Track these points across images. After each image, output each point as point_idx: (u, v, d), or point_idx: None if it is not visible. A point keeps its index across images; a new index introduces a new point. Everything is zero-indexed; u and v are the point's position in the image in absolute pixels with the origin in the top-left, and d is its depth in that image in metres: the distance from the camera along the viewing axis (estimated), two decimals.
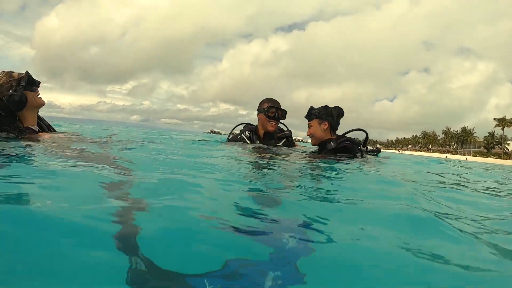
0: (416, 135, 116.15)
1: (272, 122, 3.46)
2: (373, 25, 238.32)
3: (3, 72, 2.47)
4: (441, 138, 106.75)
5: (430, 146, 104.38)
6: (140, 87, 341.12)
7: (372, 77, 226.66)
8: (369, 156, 3.21)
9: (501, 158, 72.30)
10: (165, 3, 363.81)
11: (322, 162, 2.69)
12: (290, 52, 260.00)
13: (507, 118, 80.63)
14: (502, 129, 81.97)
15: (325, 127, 3.14)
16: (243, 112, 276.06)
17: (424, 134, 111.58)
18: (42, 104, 2.58)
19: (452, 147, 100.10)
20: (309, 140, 3.36)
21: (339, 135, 3.22)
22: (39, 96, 2.56)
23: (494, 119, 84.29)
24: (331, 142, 3.08)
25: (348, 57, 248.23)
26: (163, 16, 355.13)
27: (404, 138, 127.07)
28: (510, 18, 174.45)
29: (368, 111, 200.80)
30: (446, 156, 63.19)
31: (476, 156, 79.05)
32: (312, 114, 3.20)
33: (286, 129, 3.67)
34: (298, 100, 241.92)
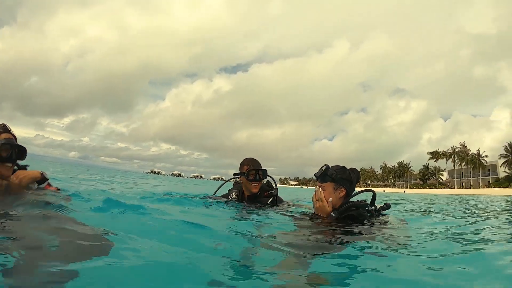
0: None
1: (255, 184, 3.47)
2: (314, 68, 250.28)
3: None
4: (379, 173, 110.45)
5: (369, 182, 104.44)
6: (80, 122, 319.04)
7: (312, 117, 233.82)
8: (378, 221, 2.59)
9: (436, 188, 74.13)
10: (112, 36, 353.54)
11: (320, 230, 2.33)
12: (233, 93, 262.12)
13: (439, 151, 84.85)
14: (436, 161, 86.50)
15: (342, 194, 2.57)
16: (183, 152, 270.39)
17: (363, 170, 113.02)
18: None
19: (390, 181, 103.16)
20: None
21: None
22: None
23: (428, 152, 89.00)
24: (332, 213, 2.53)
25: (289, 98, 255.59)
26: (109, 50, 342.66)
27: None
28: (440, 61, 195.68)
29: (308, 150, 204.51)
30: (384, 190, 62.49)
31: (413, 188, 79.96)
32: (328, 175, 2.60)
33: (274, 186, 3.64)
34: (239, 140, 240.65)
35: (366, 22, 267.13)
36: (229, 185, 3.82)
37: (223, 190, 3.77)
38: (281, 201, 3.56)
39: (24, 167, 2.41)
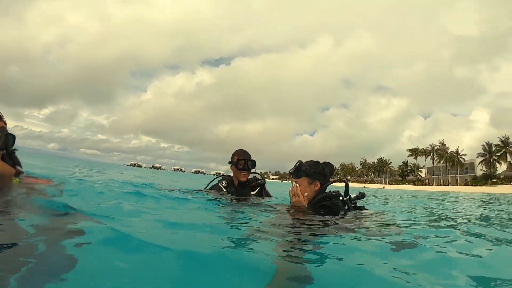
0: (335, 167, 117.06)
1: (243, 173, 3.71)
2: (297, 63, 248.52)
3: None
4: (359, 169, 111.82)
5: (348, 177, 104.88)
6: (59, 113, 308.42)
7: (294, 112, 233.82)
8: (352, 211, 2.66)
9: (415, 184, 75.07)
10: (94, 26, 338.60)
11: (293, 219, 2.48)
12: (215, 86, 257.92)
13: (419, 148, 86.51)
14: (415, 158, 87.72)
15: (316, 187, 2.68)
16: (164, 145, 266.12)
17: (343, 166, 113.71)
18: None
19: (369, 176, 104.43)
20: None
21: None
22: None
23: (408, 149, 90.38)
24: (306, 205, 2.68)
25: (271, 93, 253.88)
26: (90, 40, 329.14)
27: None
28: (422, 61, 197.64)
29: (289, 145, 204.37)
30: (364, 186, 62.40)
31: (392, 184, 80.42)
32: (302, 171, 2.72)
33: (260, 178, 3.87)
34: (220, 133, 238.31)
35: (350, 20, 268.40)
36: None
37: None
38: (268, 194, 3.82)
39: (12, 152, 2.46)
